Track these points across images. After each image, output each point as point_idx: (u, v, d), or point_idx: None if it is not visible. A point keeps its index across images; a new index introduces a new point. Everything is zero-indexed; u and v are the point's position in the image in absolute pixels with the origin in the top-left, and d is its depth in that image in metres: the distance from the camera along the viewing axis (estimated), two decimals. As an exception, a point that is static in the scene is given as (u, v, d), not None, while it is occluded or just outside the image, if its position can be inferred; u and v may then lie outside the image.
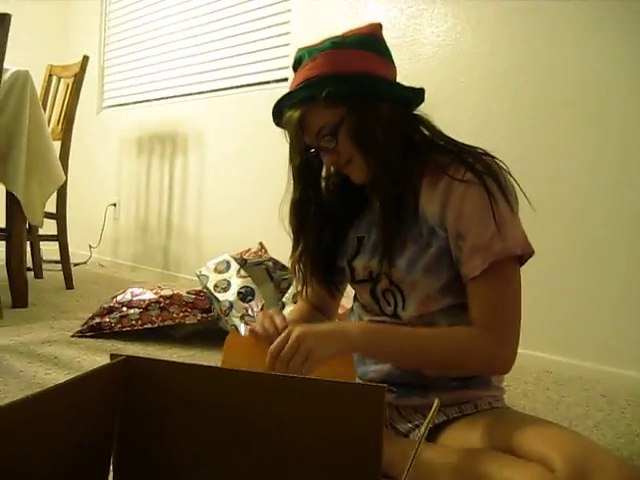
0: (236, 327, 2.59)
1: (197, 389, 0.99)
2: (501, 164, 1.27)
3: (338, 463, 0.93)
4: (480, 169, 1.23)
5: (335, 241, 1.43)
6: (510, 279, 1.23)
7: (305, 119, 1.28)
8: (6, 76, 3.05)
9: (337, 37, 1.32)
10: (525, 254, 1.23)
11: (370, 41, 1.31)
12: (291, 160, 1.34)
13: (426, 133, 1.34)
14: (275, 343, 1.15)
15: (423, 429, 0.90)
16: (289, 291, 2.69)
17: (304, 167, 1.34)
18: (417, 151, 1.32)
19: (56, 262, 4.06)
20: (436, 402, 0.96)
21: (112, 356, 0.99)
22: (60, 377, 2.14)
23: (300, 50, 1.35)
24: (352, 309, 1.54)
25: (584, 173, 2.49)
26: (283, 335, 1.16)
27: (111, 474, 1.03)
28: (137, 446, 1.00)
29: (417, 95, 1.33)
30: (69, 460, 0.90)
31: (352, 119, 1.26)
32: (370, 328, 1.28)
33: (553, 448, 1.02)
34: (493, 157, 1.28)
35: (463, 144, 1.31)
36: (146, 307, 2.70)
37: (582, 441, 1.07)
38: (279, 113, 1.35)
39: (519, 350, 1.23)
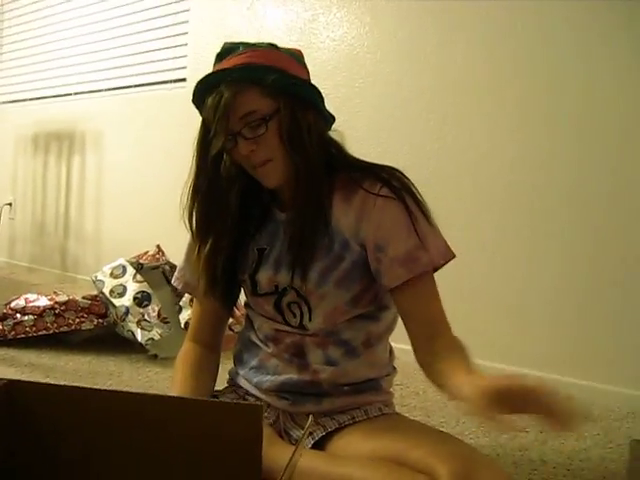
0: (132, 332, 2.58)
1: (80, 411, 1.00)
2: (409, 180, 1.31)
3: (220, 474, 0.96)
4: (396, 185, 1.26)
5: (234, 251, 1.38)
6: (431, 286, 1.29)
7: (236, 99, 1.21)
8: None
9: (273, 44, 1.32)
10: (447, 261, 1.29)
11: (302, 58, 1.34)
12: (205, 145, 1.27)
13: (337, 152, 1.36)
14: None
15: (301, 438, 0.93)
16: (186, 295, 2.69)
17: (219, 154, 1.28)
18: (331, 167, 1.31)
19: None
20: (310, 419, 1.00)
21: (-7, 381, 0.99)
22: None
23: (232, 43, 1.30)
24: (245, 325, 1.52)
25: (507, 169, 2.60)
26: None
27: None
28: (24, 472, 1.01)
29: (331, 119, 1.36)
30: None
31: (286, 115, 1.24)
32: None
33: (439, 460, 1.06)
34: (402, 173, 1.31)
35: (372, 163, 1.34)
36: (40, 313, 2.66)
37: (467, 452, 1.12)
38: (202, 91, 1.27)
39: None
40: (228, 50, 1.28)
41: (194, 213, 1.33)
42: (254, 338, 1.43)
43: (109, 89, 4.26)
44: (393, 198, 1.25)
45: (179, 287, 1.52)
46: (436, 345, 1.24)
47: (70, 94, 4.55)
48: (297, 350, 1.36)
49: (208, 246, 1.34)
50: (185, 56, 3.67)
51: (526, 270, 2.55)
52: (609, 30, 2.33)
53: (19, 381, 1.04)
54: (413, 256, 1.24)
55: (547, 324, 2.50)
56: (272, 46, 1.30)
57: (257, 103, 1.23)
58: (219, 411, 0.98)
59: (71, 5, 4.54)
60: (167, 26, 3.85)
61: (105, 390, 1.15)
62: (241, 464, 0.95)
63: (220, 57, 1.29)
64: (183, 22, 3.74)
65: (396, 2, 2.85)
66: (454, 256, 1.29)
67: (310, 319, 1.33)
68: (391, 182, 1.27)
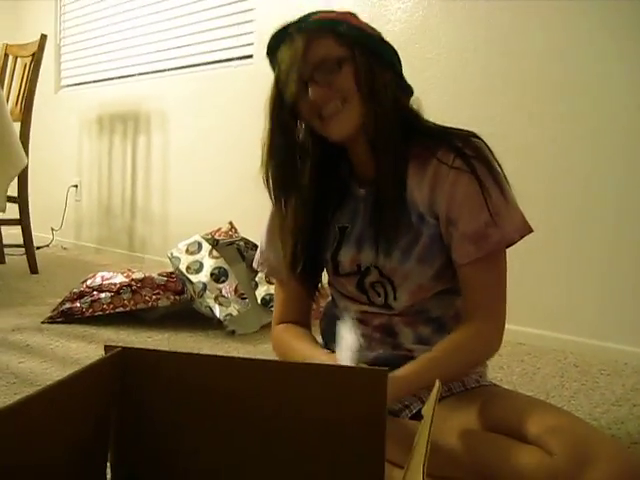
0: (210, 308, 2.57)
1: (194, 377, 0.97)
2: (487, 145, 1.25)
3: (341, 447, 0.93)
4: (470, 154, 1.20)
5: (314, 229, 1.34)
6: (501, 262, 1.24)
7: (310, 46, 1.19)
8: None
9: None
10: (523, 236, 1.23)
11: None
12: (278, 100, 1.25)
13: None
14: None
15: (429, 409, 0.89)
16: (261, 271, 2.67)
17: (292, 114, 1.26)
18: (407, 135, 1.26)
19: (17, 246, 3.94)
20: (437, 384, 0.95)
21: (106, 348, 0.97)
22: (33, 366, 2.11)
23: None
24: (331, 301, 1.48)
25: (555, 146, 2.52)
26: None
27: (109, 468, 1.01)
28: (135, 437, 0.98)
29: (409, 90, 1.31)
30: (68, 455, 0.88)
31: (362, 62, 1.21)
32: (403, 377, 1.19)
33: (551, 432, 1.02)
34: (480, 138, 1.25)
35: (449, 127, 1.28)
36: (117, 291, 2.66)
37: (579, 425, 1.07)
38: (276, 43, 1.26)
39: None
40: (311, 13, 1.26)
41: (269, 178, 1.32)
42: (340, 317, 1.38)
43: (173, 68, 4.24)
44: (466, 170, 1.19)
45: (264, 271, 1.50)
46: (461, 325, 1.26)
47: (134, 75, 4.55)
48: (387, 330, 1.33)
49: (287, 220, 1.32)
50: (251, 32, 3.62)
51: (576, 237, 2.50)
52: None
53: (132, 348, 1.01)
54: (484, 233, 1.19)
55: (597, 292, 2.46)
56: (350, 13, 1.28)
57: (331, 49, 1.21)
58: (342, 376, 0.93)
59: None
60: (233, 2, 3.80)
61: (219, 357, 1.12)
62: (366, 432, 0.91)
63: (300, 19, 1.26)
64: (248, -2, 3.69)
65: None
66: (531, 231, 1.23)
67: (395, 298, 1.29)
68: (465, 152, 1.21)
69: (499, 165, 1.23)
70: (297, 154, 1.30)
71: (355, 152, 1.31)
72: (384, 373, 0.91)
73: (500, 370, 2.18)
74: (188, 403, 0.97)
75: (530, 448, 1.03)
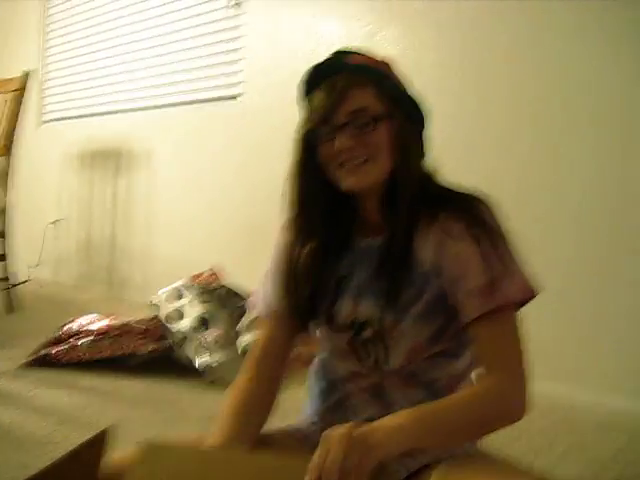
0: (190, 358, 2.53)
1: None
2: (490, 204, 1.23)
3: None
4: (472, 219, 1.19)
5: (317, 273, 1.30)
6: (510, 320, 1.19)
7: (350, 93, 1.18)
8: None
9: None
10: (527, 297, 1.19)
11: None
12: (305, 136, 1.24)
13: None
14: (315, 456, 1.00)
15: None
16: (242, 319, 2.64)
17: (325, 135, 1.22)
18: (420, 195, 1.25)
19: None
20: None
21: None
22: (9, 416, 2.08)
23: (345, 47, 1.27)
24: (318, 357, 1.42)
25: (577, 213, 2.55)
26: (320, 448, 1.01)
27: None
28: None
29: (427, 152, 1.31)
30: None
31: (398, 123, 1.20)
32: (422, 412, 1.13)
33: None
34: (487, 201, 1.23)
35: (458, 190, 1.26)
36: (97, 337, 2.62)
37: None
38: (314, 78, 1.23)
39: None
40: (344, 51, 1.24)
41: (296, 220, 1.31)
42: (330, 376, 1.35)
43: (159, 106, 4.24)
44: (468, 233, 1.18)
45: (256, 311, 1.43)
46: None
47: (119, 111, 4.54)
48: (377, 392, 1.28)
49: (299, 265, 1.30)
50: (240, 71, 3.64)
51: (596, 295, 2.49)
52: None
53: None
54: (488, 290, 1.15)
55: (616, 348, 2.44)
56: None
57: (370, 103, 1.19)
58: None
59: (119, 22, 4.54)
60: (221, 41, 3.81)
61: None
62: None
63: (335, 55, 1.25)
64: (237, 37, 3.69)
65: (460, 16, 2.79)
66: (536, 293, 1.19)
67: (387, 360, 1.25)
68: (468, 216, 1.19)
69: (504, 228, 1.21)
70: (320, 199, 1.28)
71: (364, 204, 1.29)
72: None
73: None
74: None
75: None
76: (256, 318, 1.39)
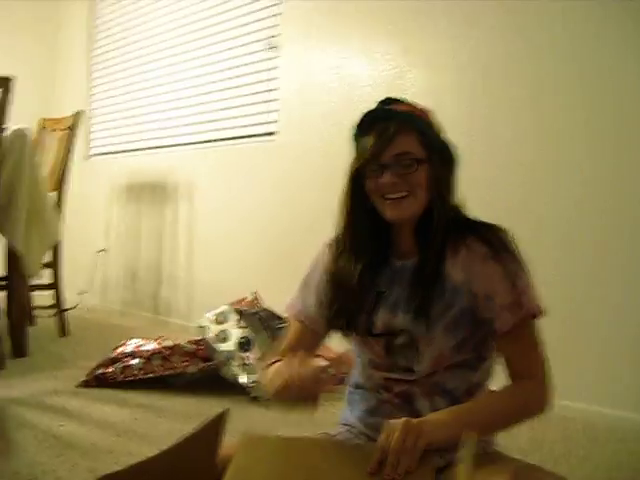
0: (235, 375, 2.72)
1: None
2: (508, 232, 1.43)
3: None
4: (496, 244, 1.39)
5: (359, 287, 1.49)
6: (534, 330, 1.40)
7: (397, 137, 1.38)
8: (7, 133, 3.17)
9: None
10: (540, 313, 1.39)
11: None
12: (356, 172, 1.44)
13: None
14: (381, 439, 1.22)
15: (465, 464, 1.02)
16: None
17: (373, 172, 1.42)
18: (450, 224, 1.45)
19: (45, 308, 4.09)
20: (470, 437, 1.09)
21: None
22: (73, 429, 2.28)
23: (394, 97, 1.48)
24: (356, 367, 1.59)
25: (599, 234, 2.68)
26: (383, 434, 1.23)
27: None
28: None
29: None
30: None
31: (436, 166, 1.40)
32: (461, 410, 1.36)
33: None
34: (506, 231, 1.43)
35: (482, 222, 1.46)
36: (148, 357, 2.82)
37: None
38: (368, 122, 1.43)
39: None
40: (390, 99, 1.46)
41: (346, 242, 1.51)
42: (365, 385, 1.52)
43: (200, 142, 4.47)
44: (492, 256, 1.38)
45: (293, 312, 1.61)
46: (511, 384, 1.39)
47: (163, 146, 4.79)
48: (406, 398, 1.44)
49: (346, 279, 1.49)
50: (276, 111, 3.85)
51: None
52: None
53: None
54: (517, 304, 1.35)
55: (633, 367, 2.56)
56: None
57: (413, 147, 1.38)
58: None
59: (162, 63, 4.80)
60: (258, 82, 4.03)
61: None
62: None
63: (383, 103, 1.46)
64: (273, 78, 3.92)
65: (483, 55, 2.99)
66: (544, 311, 1.39)
67: (418, 363, 1.41)
68: (492, 241, 1.39)
69: (520, 253, 1.41)
70: (365, 222, 1.48)
71: (400, 231, 1.48)
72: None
73: (508, 436, 2.27)
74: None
75: None
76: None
